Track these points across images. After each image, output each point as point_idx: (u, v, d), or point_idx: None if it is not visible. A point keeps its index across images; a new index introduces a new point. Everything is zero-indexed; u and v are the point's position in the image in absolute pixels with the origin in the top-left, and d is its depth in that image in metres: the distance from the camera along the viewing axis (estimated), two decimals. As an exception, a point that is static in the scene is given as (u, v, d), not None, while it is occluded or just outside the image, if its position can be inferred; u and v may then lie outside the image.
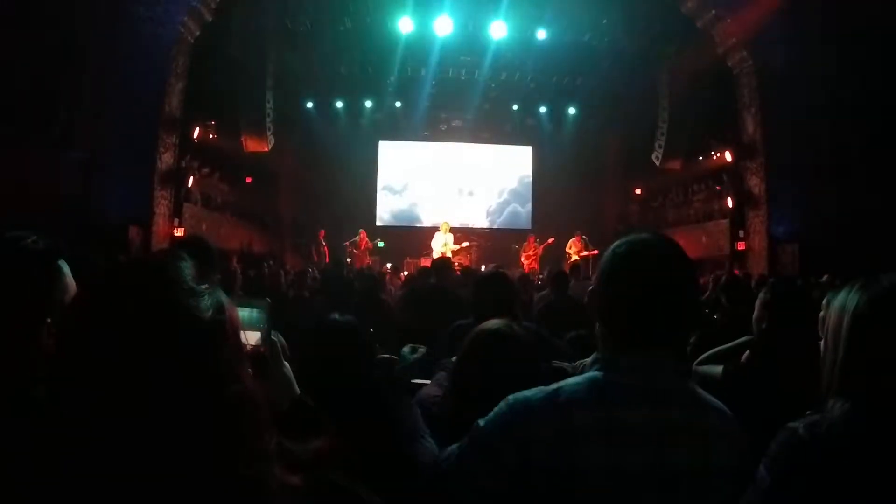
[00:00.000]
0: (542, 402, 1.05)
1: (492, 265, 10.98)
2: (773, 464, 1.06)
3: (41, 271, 1.02)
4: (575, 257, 12.24)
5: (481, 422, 1.10)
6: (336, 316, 1.89)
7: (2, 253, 1.00)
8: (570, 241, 12.80)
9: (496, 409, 1.08)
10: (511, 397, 1.08)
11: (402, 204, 16.55)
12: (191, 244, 2.27)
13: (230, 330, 0.66)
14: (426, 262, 10.21)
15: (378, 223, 15.95)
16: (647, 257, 1.09)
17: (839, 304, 1.15)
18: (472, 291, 3.02)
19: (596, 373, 1.08)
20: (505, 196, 16.92)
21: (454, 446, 1.18)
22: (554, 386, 1.07)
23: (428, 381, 1.97)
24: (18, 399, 0.96)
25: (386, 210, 16.51)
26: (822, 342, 1.19)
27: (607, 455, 1.00)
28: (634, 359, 1.07)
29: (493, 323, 1.66)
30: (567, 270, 9.57)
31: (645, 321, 1.07)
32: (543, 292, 5.70)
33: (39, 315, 0.99)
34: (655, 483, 1.00)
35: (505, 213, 16.87)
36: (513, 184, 16.93)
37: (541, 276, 9.83)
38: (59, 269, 1.06)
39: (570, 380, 1.08)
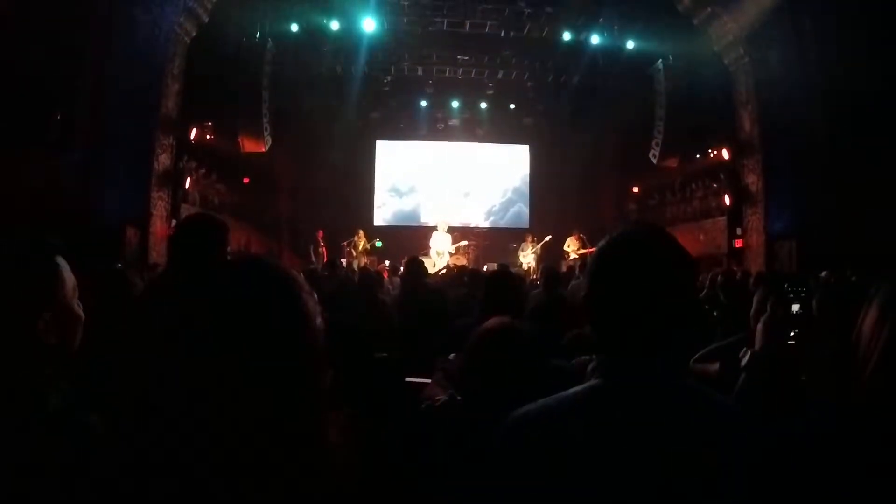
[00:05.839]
0: (541, 413, 1.01)
1: (494, 264, 10.96)
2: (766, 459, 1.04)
3: (38, 267, 1.05)
4: (573, 255, 12.26)
5: (492, 450, 1.03)
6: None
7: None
8: (569, 239, 12.80)
9: (501, 430, 1.02)
10: (513, 414, 1.03)
11: (407, 206, 16.59)
12: (204, 223, 2.24)
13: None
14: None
15: (377, 223, 15.96)
16: (634, 254, 1.03)
17: (881, 302, 1.06)
18: (483, 290, 3.02)
19: (596, 381, 1.03)
20: (509, 195, 16.94)
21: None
22: (555, 396, 1.03)
23: (427, 381, 1.97)
24: (17, 393, 0.98)
25: (390, 211, 16.53)
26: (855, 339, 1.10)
27: (606, 471, 0.94)
28: (631, 367, 1.01)
29: (496, 321, 1.66)
30: (565, 269, 9.60)
31: (636, 325, 1.00)
32: (535, 291, 5.71)
33: (37, 310, 1.02)
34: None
35: (510, 212, 16.89)
36: (516, 183, 16.96)
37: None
38: (57, 265, 1.08)
39: (572, 389, 1.03)
